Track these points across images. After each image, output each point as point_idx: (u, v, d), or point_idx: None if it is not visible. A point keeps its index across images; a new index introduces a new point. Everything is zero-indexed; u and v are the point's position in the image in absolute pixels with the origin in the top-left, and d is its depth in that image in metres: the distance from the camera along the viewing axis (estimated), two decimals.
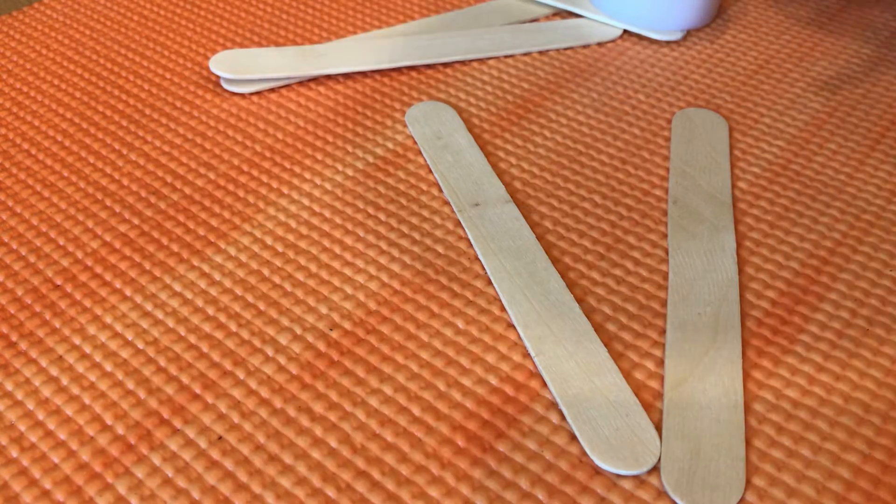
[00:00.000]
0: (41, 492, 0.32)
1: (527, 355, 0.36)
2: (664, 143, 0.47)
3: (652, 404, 0.35)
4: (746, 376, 0.36)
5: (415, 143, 0.47)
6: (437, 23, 0.56)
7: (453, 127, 0.48)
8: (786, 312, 0.38)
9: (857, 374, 0.36)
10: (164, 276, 0.40)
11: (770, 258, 0.41)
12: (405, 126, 0.48)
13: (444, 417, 0.34)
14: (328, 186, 0.44)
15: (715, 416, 0.34)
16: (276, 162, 0.46)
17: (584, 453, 0.33)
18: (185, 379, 0.35)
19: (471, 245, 0.41)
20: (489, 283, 0.39)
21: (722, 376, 0.35)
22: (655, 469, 0.32)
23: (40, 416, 0.34)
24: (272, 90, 0.51)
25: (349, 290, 0.39)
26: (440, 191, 0.44)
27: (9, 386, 0.35)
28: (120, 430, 0.34)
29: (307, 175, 0.45)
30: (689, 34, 0.56)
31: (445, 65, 0.53)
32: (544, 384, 0.35)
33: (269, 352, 0.36)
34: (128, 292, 0.39)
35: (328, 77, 0.52)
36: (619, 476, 0.32)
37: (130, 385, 0.35)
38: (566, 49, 0.55)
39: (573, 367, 0.35)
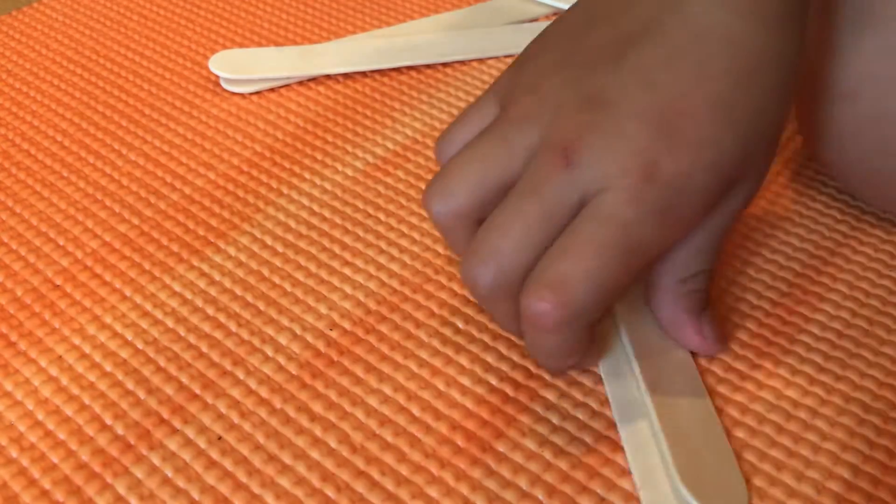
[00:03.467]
0: (41, 491, 0.32)
1: (526, 356, 0.36)
2: None
3: None
4: (746, 378, 0.36)
5: (415, 142, 0.47)
6: (438, 23, 0.56)
7: None
8: (786, 313, 0.38)
9: (857, 375, 0.36)
10: (164, 276, 0.40)
11: (771, 259, 0.41)
12: (405, 126, 0.48)
13: (444, 417, 0.34)
14: (328, 186, 0.44)
15: (697, 416, 0.33)
16: (275, 162, 0.46)
17: (584, 453, 0.33)
18: (184, 379, 0.35)
19: None
20: None
21: (682, 375, 0.35)
22: None
23: (40, 416, 0.34)
24: (272, 90, 0.51)
25: (349, 289, 0.39)
26: None
27: (8, 386, 0.35)
28: (119, 429, 0.34)
29: (307, 175, 0.45)
30: None
31: (445, 65, 0.53)
32: (544, 384, 0.35)
33: (269, 351, 0.36)
34: (127, 292, 0.39)
35: (328, 77, 0.52)
36: (619, 475, 0.32)
37: (130, 385, 0.35)
38: None
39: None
